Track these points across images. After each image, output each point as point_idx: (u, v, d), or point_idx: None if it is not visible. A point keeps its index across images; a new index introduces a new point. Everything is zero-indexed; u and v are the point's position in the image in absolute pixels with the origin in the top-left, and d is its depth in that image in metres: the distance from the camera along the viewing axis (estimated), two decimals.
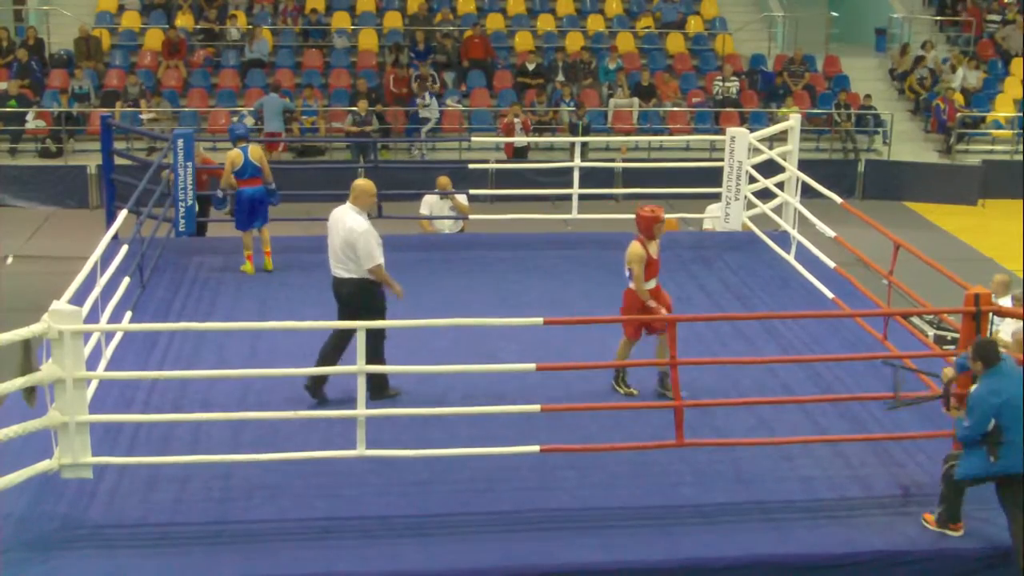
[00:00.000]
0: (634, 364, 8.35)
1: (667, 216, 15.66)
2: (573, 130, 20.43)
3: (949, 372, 7.67)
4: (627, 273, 8.85)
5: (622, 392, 8.98)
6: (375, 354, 8.25)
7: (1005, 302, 10.14)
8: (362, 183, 8.86)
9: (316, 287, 11.47)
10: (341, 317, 8.77)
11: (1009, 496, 7.23)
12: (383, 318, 8.59)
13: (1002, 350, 8.25)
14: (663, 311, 8.69)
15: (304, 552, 7.01)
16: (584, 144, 19.86)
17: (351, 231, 8.56)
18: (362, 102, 20.47)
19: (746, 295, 11.46)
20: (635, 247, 8.78)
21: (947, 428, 7.98)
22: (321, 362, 8.64)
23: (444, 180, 13.86)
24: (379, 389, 8.66)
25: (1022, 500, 7.17)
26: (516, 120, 20.33)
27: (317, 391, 8.70)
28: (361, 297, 8.67)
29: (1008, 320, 9.81)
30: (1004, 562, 7.18)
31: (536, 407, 7.76)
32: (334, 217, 8.79)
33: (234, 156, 11.67)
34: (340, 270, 8.74)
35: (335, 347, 8.71)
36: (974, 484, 7.32)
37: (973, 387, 7.35)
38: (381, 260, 8.66)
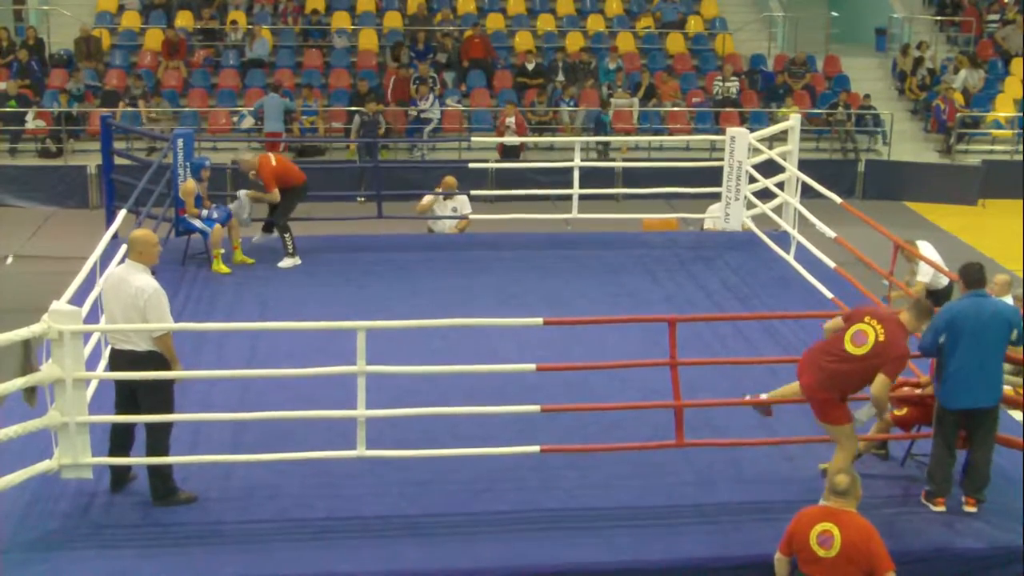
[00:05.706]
0: (634, 364, 8.31)
1: (667, 216, 15.85)
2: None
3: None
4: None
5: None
6: (157, 447, 7.42)
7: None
8: (142, 234, 7.65)
9: (316, 287, 11.51)
10: (122, 402, 7.54)
11: (938, 427, 7.59)
12: (170, 404, 7.50)
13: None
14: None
15: (303, 552, 7.01)
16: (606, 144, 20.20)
17: (140, 292, 7.30)
18: (370, 104, 20.42)
19: (746, 295, 11.46)
20: None
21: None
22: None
23: (450, 180, 13.84)
24: (164, 489, 7.44)
25: (945, 433, 7.53)
26: (510, 120, 20.33)
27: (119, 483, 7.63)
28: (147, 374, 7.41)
29: None
30: (1005, 562, 7.19)
31: (536, 407, 7.75)
32: (113, 278, 7.56)
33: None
34: (121, 342, 7.45)
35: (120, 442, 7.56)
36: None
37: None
38: (173, 326, 7.56)
